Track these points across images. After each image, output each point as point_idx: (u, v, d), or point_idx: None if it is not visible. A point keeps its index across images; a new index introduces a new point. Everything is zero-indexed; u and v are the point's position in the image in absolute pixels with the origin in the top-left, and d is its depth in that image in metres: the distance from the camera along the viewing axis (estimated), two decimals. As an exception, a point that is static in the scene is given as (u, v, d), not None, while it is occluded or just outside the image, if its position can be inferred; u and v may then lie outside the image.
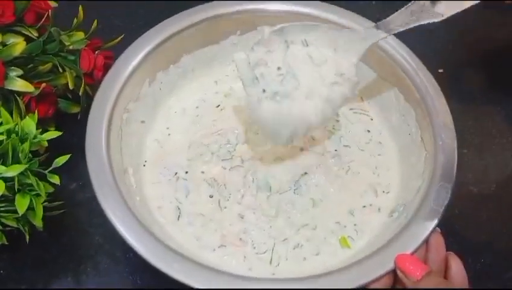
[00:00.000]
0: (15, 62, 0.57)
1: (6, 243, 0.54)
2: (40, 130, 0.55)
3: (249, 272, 0.52)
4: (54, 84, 0.60)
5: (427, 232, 0.48)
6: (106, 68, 0.60)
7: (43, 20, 0.59)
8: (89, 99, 0.58)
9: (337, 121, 0.64)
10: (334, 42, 0.55)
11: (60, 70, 0.60)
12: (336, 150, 0.61)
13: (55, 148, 0.57)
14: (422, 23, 0.53)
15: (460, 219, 0.62)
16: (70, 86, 0.59)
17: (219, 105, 0.65)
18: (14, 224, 0.52)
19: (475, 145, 0.68)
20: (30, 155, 0.53)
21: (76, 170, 0.60)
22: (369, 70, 0.64)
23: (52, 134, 0.55)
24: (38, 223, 0.53)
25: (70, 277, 0.58)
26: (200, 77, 0.67)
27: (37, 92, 0.57)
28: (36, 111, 0.56)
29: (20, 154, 0.51)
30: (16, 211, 0.50)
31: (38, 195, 0.52)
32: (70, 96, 0.63)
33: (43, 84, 0.58)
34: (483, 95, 0.73)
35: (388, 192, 0.58)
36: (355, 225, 0.56)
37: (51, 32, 0.59)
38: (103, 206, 0.49)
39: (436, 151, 0.54)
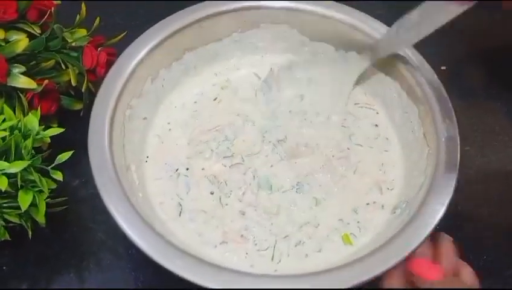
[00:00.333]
0: (18, 59, 0.57)
1: (9, 239, 0.54)
2: (43, 126, 0.55)
3: (250, 269, 0.52)
4: (57, 81, 0.60)
5: (430, 229, 0.48)
6: (109, 65, 0.60)
7: (45, 17, 0.59)
8: (92, 96, 0.58)
9: (345, 119, 0.64)
10: (333, 74, 0.64)
11: (63, 67, 0.60)
12: (348, 148, 0.61)
13: (57, 145, 0.57)
14: (396, 49, 0.59)
15: (462, 215, 0.62)
16: (73, 83, 0.60)
17: (216, 98, 0.65)
18: (16, 220, 0.52)
19: (477, 142, 0.68)
20: (33, 152, 0.53)
21: (79, 167, 0.60)
22: (371, 68, 0.63)
23: (55, 130, 0.55)
24: (41, 219, 0.53)
25: (72, 273, 0.58)
26: (202, 72, 0.67)
27: (40, 89, 0.57)
28: (39, 108, 0.56)
29: (23, 151, 0.51)
30: (18, 207, 0.50)
31: (41, 191, 0.52)
32: (72, 93, 0.63)
33: (46, 81, 0.58)
34: (486, 92, 0.73)
35: (392, 189, 0.58)
36: (358, 222, 0.56)
37: (53, 29, 0.59)
38: (106, 202, 0.49)
39: (439, 148, 0.53)
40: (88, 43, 0.62)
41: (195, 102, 0.65)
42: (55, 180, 0.54)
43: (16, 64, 0.57)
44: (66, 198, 0.58)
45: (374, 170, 0.60)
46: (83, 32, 0.63)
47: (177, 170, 0.59)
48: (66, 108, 0.64)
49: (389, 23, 0.62)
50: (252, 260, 0.53)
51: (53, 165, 0.53)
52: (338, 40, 0.65)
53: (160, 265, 0.46)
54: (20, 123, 0.53)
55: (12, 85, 0.56)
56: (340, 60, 0.65)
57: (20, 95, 0.57)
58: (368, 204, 0.57)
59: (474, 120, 0.70)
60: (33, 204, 0.51)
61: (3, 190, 0.48)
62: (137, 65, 0.59)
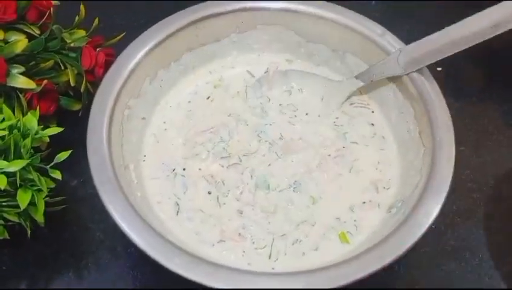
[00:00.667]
0: (17, 59, 0.57)
1: (8, 238, 0.54)
2: (42, 126, 0.55)
3: (248, 267, 0.52)
4: (56, 82, 0.61)
5: (425, 228, 0.49)
6: (107, 65, 0.60)
7: (44, 18, 0.60)
8: (90, 96, 0.58)
9: (337, 118, 0.64)
10: (323, 89, 0.65)
11: (62, 67, 0.60)
12: (343, 147, 0.61)
13: (56, 145, 0.57)
14: (389, 75, 0.60)
15: (458, 215, 0.63)
16: (72, 83, 0.60)
17: (209, 97, 0.66)
18: (15, 219, 0.53)
19: (472, 142, 0.68)
20: (32, 151, 0.53)
21: (78, 167, 0.61)
22: (367, 67, 0.64)
23: (54, 130, 0.55)
24: (39, 218, 0.53)
25: (71, 272, 0.58)
26: (197, 71, 0.68)
27: (39, 89, 0.58)
28: (38, 108, 0.57)
29: (22, 150, 0.52)
30: (17, 206, 0.51)
31: (40, 190, 0.53)
32: (71, 94, 0.64)
33: (45, 81, 0.58)
34: (481, 92, 0.74)
35: (389, 188, 0.58)
36: (354, 220, 0.56)
37: (52, 30, 0.59)
38: (104, 202, 0.49)
39: (434, 147, 0.54)
40: (87, 43, 0.63)
41: (189, 101, 0.65)
42: (54, 180, 0.54)
43: (15, 65, 0.57)
44: (65, 197, 0.58)
45: (370, 169, 0.60)
46: (81, 33, 0.63)
47: (174, 169, 0.59)
48: (65, 108, 0.64)
49: (384, 24, 0.63)
50: (250, 258, 0.53)
51: (52, 164, 0.54)
52: (334, 41, 0.65)
53: (158, 263, 0.46)
54: (19, 123, 0.53)
55: (12, 85, 0.56)
56: (336, 64, 0.67)
57: (19, 95, 0.57)
58: (364, 203, 0.57)
59: (469, 120, 0.70)
60: (32, 203, 0.52)
61: (2, 188, 0.49)
62: (135, 66, 0.59)
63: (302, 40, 0.67)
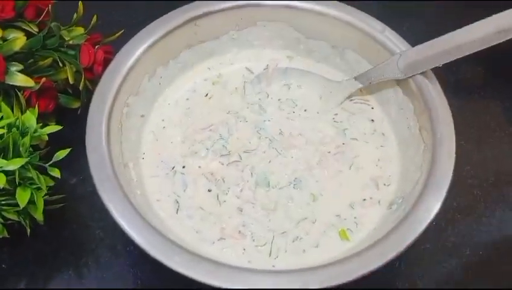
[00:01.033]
0: (15, 57, 0.57)
1: (8, 236, 0.54)
2: (41, 124, 0.55)
3: (248, 265, 0.52)
4: (54, 79, 0.61)
5: (425, 225, 0.49)
6: (106, 63, 0.60)
7: (43, 15, 0.59)
8: (89, 94, 0.58)
9: (336, 114, 0.64)
10: (322, 89, 0.65)
11: (60, 65, 0.60)
12: (343, 144, 0.61)
13: (55, 143, 0.57)
14: (388, 78, 0.60)
15: (459, 211, 0.62)
16: (71, 81, 0.60)
17: (207, 94, 0.66)
18: (15, 217, 0.53)
19: (473, 138, 0.68)
20: (31, 149, 0.53)
21: (77, 165, 0.60)
22: (367, 64, 0.64)
23: (53, 128, 0.55)
24: (39, 216, 0.53)
25: (71, 270, 0.58)
26: (196, 67, 0.67)
27: (38, 87, 0.57)
28: (36, 106, 0.56)
29: (20, 148, 0.52)
30: (16, 205, 0.50)
31: (39, 188, 0.52)
32: (70, 91, 0.63)
33: (43, 79, 0.58)
34: (481, 88, 0.74)
35: (389, 184, 0.58)
36: (355, 217, 0.56)
37: (51, 28, 0.59)
38: (104, 200, 0.49)
39: (435, 144, 0.54)
40: (85, 41, 0.62)
41: (187, 99, 0.65)
42: (53, 178, 0.54)
43: (13, 63, 0.57)
44: (64, 196, 0.58)
45: (370, 166, 0.60)
46: (80, 30, 0.63)
47: (173, 167, 0.59)
48: (64, 106, 0.64)
49: (383, 22, 0.62)
50: (250, 256, 0.53)
51: (51, 162, 0.54)
52: (334, 37, 0.65)
53: (158, 262, 0.46)
54: (18, 121, 0.53)
55: (10, 83, 0.56)
56: (337, 62, 0.67)
57: (18, 93, 0.57)
58: (364, 200, 0.57)
59: (470, 117, 0.70)
60: (31, 201, 0.51)
61: (1, 187, 0.49)
62: (134, 63, 0.59)
63: (302, 36, 0.67)
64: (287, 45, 0.69)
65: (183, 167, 0.59)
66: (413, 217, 0.49)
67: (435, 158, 0.52)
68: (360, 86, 0.63)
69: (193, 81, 0.67)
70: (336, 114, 0.64)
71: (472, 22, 0.53)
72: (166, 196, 0.57)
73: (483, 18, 0.53)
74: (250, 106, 0.65)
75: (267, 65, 0.67)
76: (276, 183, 0.58)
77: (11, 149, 0.51)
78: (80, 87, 0.61)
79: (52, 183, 0.54)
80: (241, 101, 0.65)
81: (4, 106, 0.54)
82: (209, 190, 0.57)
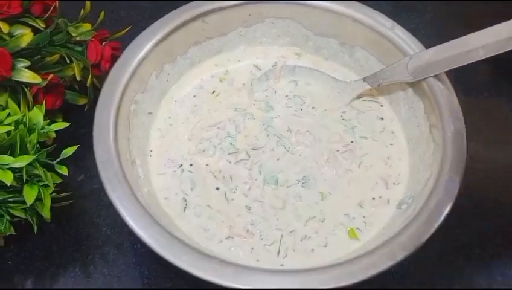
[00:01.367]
0: (22, 53, 0.57)
1: (14, 233, 0.54)
2: (48, 121, 0.55)
3: (256, 263, 0.52)
4: (61, 76, 0.60)
5: (436, 225, 0.48)
6: (113, 59, 0.60)
7: (50, 11, 0.59)
8: (96, 90, 0.58)
9: (344, 112, 0.64)
10: (330, 89, 0.65)
11: (67, 61, 0.60)
12: (352, 142, 0.61)
13: (62, 139, 0.57)
14: (397, 81, 0.59)
15: (469, 210, 0.62)
16: (78, 77, 0.59)
17: (214, 91, 0.65)
18: (22, 215, 0.52)
19: (483, 137, 0.67)
20: (38, 146, 0.53)
21: (84, 162, 0.61)
22: (376, 62, 0.63)
23: (60, 125, 0.55)
24: (46, 213, 0.53)
25: (78, 268, 0.58)
26: (203, 64, 0.67)
27: (45, 83, 0.57)
28: (43, 102, 0.56)
29: (28, 145, 0.51)
30: (24, 202, 0.50)
31: (46, 186, 0.52)
32: (77, 88, 0.63)
33: (51, 76, 0.58)
34: (491, 86, 0.73)
35: (398, 183, 0.58)
36: (364, 216, 0.55)
37: (58, 24, 0.59)
38: (111, 197, 0.49)
39: (445, 143, 0.53)
40: (93, 37, 0.62)
41: (194, 96, 0.65)
42: (60, 175, 0.54)
43: (20, 59, 0.57)
44: (71, 193, 0.58)
45: (379, 164, 0.59)
46: (87, 26, 0.63)
47: (181, 165, 0.59)
48: (71, 103, 0.63)
49: (394, 19, 0.62)
50: (258, 254, 0.53)
51: (58, 159, 0.53)
52: (343, 34, 0.65)
53: (165, 260, 0.46)
54: (25, 118, 0.53)
55: (17, 79, 0.56)
56: (344, 58, 0.67)
57: (25, 89, 0.57)
58: (373, 199, 0.57)
59: (479, 115, 0.69)
60: (38, 199, 0.51)
61: (8, 184, 0.48)
62: (142, 60, 0.58)
63: (311, 33, 0.66)
64: (295, 42, 0.68)
65: (191, 164, 0.59)
66: (424, 218, 0.48)
67: (446, 157, 0.52)
68: (368, 87, 0.62)
69: (200, 78, 0.66)
70: (344, 112, 0.64)
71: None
72: (173, 194, 0.57)
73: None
74: (257, 103, 0.64)
75: (276, 62, 0.67)
76: (284, 182, 0.58)
77: (18, 146, 0.51)
78: (87, 84, 0.61)
79: (59, 181, 0.54)
80: (248, 98, 0.65)
81: (11, 103, 0.54)
82: (217, 188, 0.57)
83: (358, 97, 0.64)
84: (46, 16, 0.59)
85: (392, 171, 0.59)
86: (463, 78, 0.70)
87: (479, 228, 0.61)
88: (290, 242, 0.54)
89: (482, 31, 0.53)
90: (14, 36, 0.56)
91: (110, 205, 0.49)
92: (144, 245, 0.47)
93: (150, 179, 0.58)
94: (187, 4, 0.62)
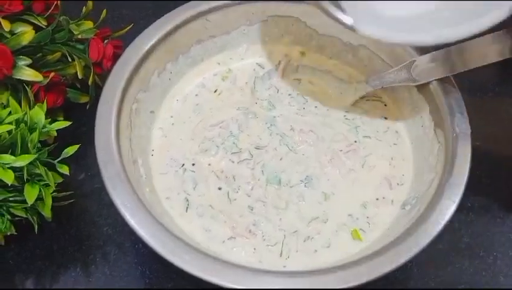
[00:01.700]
0: (23, 51, 0.57)
1: (15, 233, 0.53)
2: (49, 119, 0.54)
3: (259, 264, 0.52)
4: (63, 74, 0.60)
5: (440, 227, 0.48)
6: (115, 58, 0.59)
7: (51, 8, 0.59)
8: (98, 89, 0.58)
9: (347, 111, 0.63)
10: (333, 90, 0.64)
11: (69, 59, 0.59)
12: (355, 141, 0.60)
13: (63, 138, 0.56)
14: (401, 84, 0.59)
15: (473, 211, 0.61)
16: (79, 76, 0.59)
17: (216, 90, 0.65)
18: (23, 214, 0.52)
19: (487, 137, 0.67)
20: (39, 145, 0.52)
21: (85, 160, 0.60)
22: (379, 61, 0.63)
23: (62, 124, 0.55)
24: (47, 213, 0.52)
25: (79, 267, 0.57)
26: (205, 62, 0.67)
27: (46, 82, 0.57)
28: (45, 101, 0.56)
29: (29, 144, 0.51)
30: (24, 201, 0.50)
31: (47, 185, 0.52)
32: (79, 86, 0.63)
33: (52, 74, 0.57)
34: (496, 86, 0.72)
35: (402, 184, 0.57)
36: (367, 217, 0.55)
37: (59, 21, 0.58)
38: (112, 197, 0.48)
39: (450, 143, 0.53)
40: (94, 35, 0.62)
41: (196, 95, 0.64)
42: (61, 174, 0.54)
43: (21, 57, 0.56)
44: (72, 192, 0.57)
45: (383, 164, 0.59)
46: (89, 24, 0.62)
47: (183, 165, 0.58)
48: (72, 101, 0.63)
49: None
50: (261, 255, 0.53)
51: (59, 159, 0.53)
52: (347, 34, 0.64)
53: (167, 260, 0.46)
54: (26, 116, 0.52)
55: (18, 78, 0.56)
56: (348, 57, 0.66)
57: (26, 87, 0.57)
58: (377, 199, 0.56)
59: (484, 115, 0.69)
60: (39, 198, 0.51)
61: (9, 183, 0.48)
62: (144, 58, 0.58)
63: (314, 32, 0.66)
64: (298, 41, 0.68)
65: (193, 164, 0.58)
66: (428, 219, 0.48)
67: (450, 158, 0.51)
68: (371, 89, 0.62)
69: (202, 77, 0.66)
70: (348, 111, 0.63)
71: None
72: (175, 193, 0.56)
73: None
74: (259, 102, 0.64)
75: (279, 61, 0.66)
76: (287, 182, 0.57)
77: (19, 145, 0.50)
78: (89, 82, 0.60)
79: (60, 180, 0.54)
80: (251, 96, 0.64)
81: (12, 101, 0.53)
82: (220, 188, 0.57)
83: (362, 97, 0.64)
84: (48, 13, 0.59)
85: (396, 172, 0.58)
86: (468, 78, 0.70)
87: (484, 230, 0.61)
88: (293, 243, 0.53)
89: (490, 35, 0.52)
90: (16, 34, 0.56)
91: (111, 205, 0.48)
92: (145, 245, 0.46)
93: (152, 178, 0.57)
94: (189, 2, 0.62)
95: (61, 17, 0.58)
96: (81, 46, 0.62)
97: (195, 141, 0.60)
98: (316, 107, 0.64)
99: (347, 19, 0.51)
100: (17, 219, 0.53)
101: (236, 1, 0.63)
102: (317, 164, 0.58)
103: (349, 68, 0.67)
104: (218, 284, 0.44)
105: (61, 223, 0.59)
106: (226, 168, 0.58)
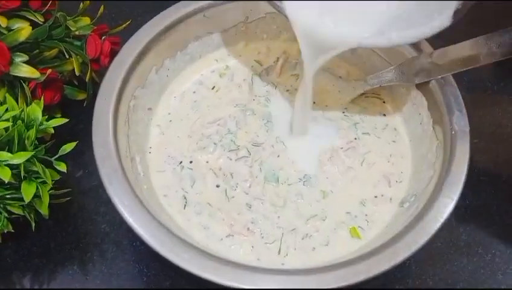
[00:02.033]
0: (20, 47, 0.56)
1: (12, 230, 0.53)
2: (46, 116, 0.54)
3: (257, 262, 0.51)
4: (60, 71, 0.60)
5: (439, 224, 0.47)
6: (113, 54, 0.59)
7: (48, 4, 0.58)
8: (96, 86, 0.57)
9: (345, 108, 0.63)
10: (331, 88, 0.64)
11: (66, 56, 0.59)
12: (355, 138, 0.60)
13: (61, 135, 0.56)
14: (399, 83, 0.59)
15: (471, 209, 0.61)
16: (77, 72, 0.59)
17: (214, 87, 0.65)
18: (20, 212, 0.52)
19: (486, 135, 0.67)
20: (36, 142, 0.52)
21: (82, 158, 0.60)
22: (378, 58, 0.63)
23: (59, 121, 0.54)
24: (44, 210, 0.52)
25: (76, 265, 0.57)
26: (203, 59, 0.66)
27: (43, 78, 0.57)
28: (42, 97, 0.55)
29: (26, 141, 0.51)
30: (21, 199, 0.50)
31: (44, 182, 0.52)
32: (76, 83, 0.63)
33: (49, 70, 0.57)
34: (495, 84, 0.72)
35: (401, 181, 0.57)
36: (366, 215, 0.55)
37: (56, 17, 0.58)
38: (110, 194, 0.48)
39: (448, 141, 0.53)
40: (92, 31, 0.61)
41: (194, 92, 0.64)
42: (58, 172, 0.53)
43: (18, 53, 0.56)
44: (70, 189, 0.57)
45: (382, 162, 0.59)
46: (86, 20, 0.62)
47: (180, 162, 0.58)
48: (70, 98, 0.63)
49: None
50: (259, 253, 0.52)
51: (57, 156, 0.53)
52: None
53: (165, 258, 0.45)
54: (23, 113, 0.52)
55: (15, 74, 0.55)
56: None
57: (23, 84, 0.56)
58: (375, 197, 0.56)
59: (482, 113, 0.69)
60: (36, 195, 0.51)
61: (6, 181, 0.48)
62: (141, 55, 0.58)
63: (313, 29, 0.65)
64: (296, 38, 0.67)
65: (191, 161, 0.58)
66: (426, 217, 0.48)
67: (449, 156, 0.51)
68: (369, 87, 0.61)
69: (200, 74, 0.66)
70: (346, 108, 0.63)
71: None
72: (173, 191, 0.56)
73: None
74: (257, 98, 0.63)
75: (277, 58, 0.66)
76: (285, 179, 0.57)
77: (16, 142, 0.50)
78: (86, 79, 0.60)
79: (57, 178, 0.54)
80: (248, 93, 0.64)
81: (9, 98, 0.53)
82: (217, 186, 0.57)
83: (361, 94, 0.64)
84: (45, 9, 0.58)
85: (395, 169, 0.58)
86: (467, 76, 0.70)
87: (482, 227, 0.61)
88: (291, 241, 0.53)
89: (487, 35, 0.52)
90: (12, 30, 0.56)
91: (109, 202, 0.48)
92: (143, 243, 0.46)
93: (150, 176, 0.57)
94: (187, -1, 0.62)
95: (58, 14, 0.58)
96: (78, 43, 0.61)
97: (193, 138, 0.60)
98: (314, 102, 0.63)
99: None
100: (14, 216, 0.52)
101: (234, -3, 0.63)
102: (316, 162, 0.58)
103: (348, 65, 0.67)
104: (217, 283, 0.44)
105: (58, 220, 0.59)
106: (224, 165, 0.58)
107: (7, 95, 0.54)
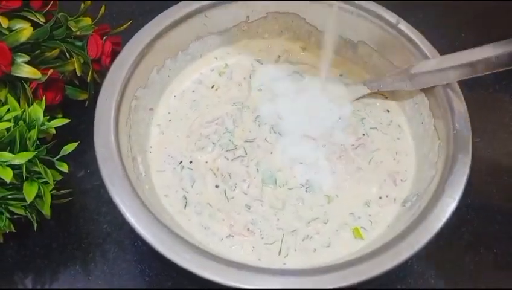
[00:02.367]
0: (22, 48, 0.56)
1: (14, 231, 0.53)
2: (48, 117, 0.54)
3: (258, 262, 0.51)
4: (61, 71, 0.60)
5: (440, 224, 0.47)
6: (114, 55, 0.59)
7: (50, 5, 0.58)
8: (97, 86, 0.57)
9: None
10: (330, 92, 0.64)
11: (68, 56, 0.59)
12: (364, 134, 0.60)
13: (62, 135, 0.56)
14: (398, 88, 0.60)
15: (473, 208, 0.61)
16: (78, 73, 0.59)
17: (213, 85, 0.65)
18: (22, 212, 0.52)
19: (488, 134, 0.67)
20: (38, 143, 0.52)
21: (84, 158, 0.60)
22: (379, 57, 0.63)
23: (60, 121, 0.54)
24: (46, 211, 0.52)
25: (78, 265, 0.57)
26: (203, 58, 0.66)
27: (44, 79, 0.57)
28: (43, 98, 0.55)
29: (27, 142, 0.51)
30: (23, 199, 0.50)
31: (46, 183, 0.52)
32: (77, 83, 0.63)
33: (50, 71, 0.57)
34: (496, 83, 0.72)
35: (405, 180, 0.57)
36: (369, 215, 0.55)
37: (58, 18, 0.58)
38: (112, 194, 0.48)
39: (450, 140, 0.52)
40: (93, 32, 0.61)
41: (193, 91, 0.64)
42: (60, 172, 0.53)
43: (20, 54, 0.56)
44: (71, 189, 0.57)
45: (388, 160, 0.59)
46: (87, 20, 0.62)
47: (180, 162, 0.58)
48: (71, 98, 0.63)
49: (401, 15, 0.61)
50: (259, 253, 0.52)
51: (58, 156, 0.53)
52: (347, 30, 0.64)
53: (167, 258, 0.45)
54: (24, 114, 0.52)
55: (17, 75, 0.55)
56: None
57: (25, 85, 0.56)
58: (380, 198, 0.56)
59: (485, 112, 0.69)
60: (38, 196, 0.51)
61: (8, 181, 0.48)
62: (143, 55, 0.58)
63: (314, 28, 0.65)
64: (298, 37, 0.67)
65: (190, 161, 0.58)
66: (429, 217, 0.48)
67: (451, 155, 0.51)
68: (369, 91, 0.62)
69: (199, 72, 0.65)
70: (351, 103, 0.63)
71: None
72: (174, 191, 0.56)
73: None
74: (257, 97, 0.63)
75: (279, 56, 0.66)
76: (283, 183, 0.57)
77: (18, 143, 0.50)
78: (88, 79, 0.60)
79: (59, 178, 0.54)
80: (247, 91, 0.64)
81: (11, 98, 0.53)
82: (217, 186, 0.57)
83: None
84: (46, 10, 0.58)
85: (400, 168, 0.58)
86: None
87: (484, 227, 0.60)
88: (292, 241, 0.53)
89: (490, 44, 0.51)
90: (14, 31, 0.56)
91: (110, 202, 0.48)
92: (144, 243, 0.46)
93: (150, 175, 0.57)
94: (189, -1, 0.62)
95: (60, 14, 0.58)
96: (79, 43, 0.61)
97: (192, 138, 0.60)
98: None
99: None
100: (16, 216, 0.52)
101: (235, -2, 0.63)
102: (321, 163, 0.58)
103: (350, 64, 0.66)
104: (219, 283, 0.44)
105: (60, 221, 0.59)
106: (222, 165, 0.58)
107: (9, 95, 0.54)
